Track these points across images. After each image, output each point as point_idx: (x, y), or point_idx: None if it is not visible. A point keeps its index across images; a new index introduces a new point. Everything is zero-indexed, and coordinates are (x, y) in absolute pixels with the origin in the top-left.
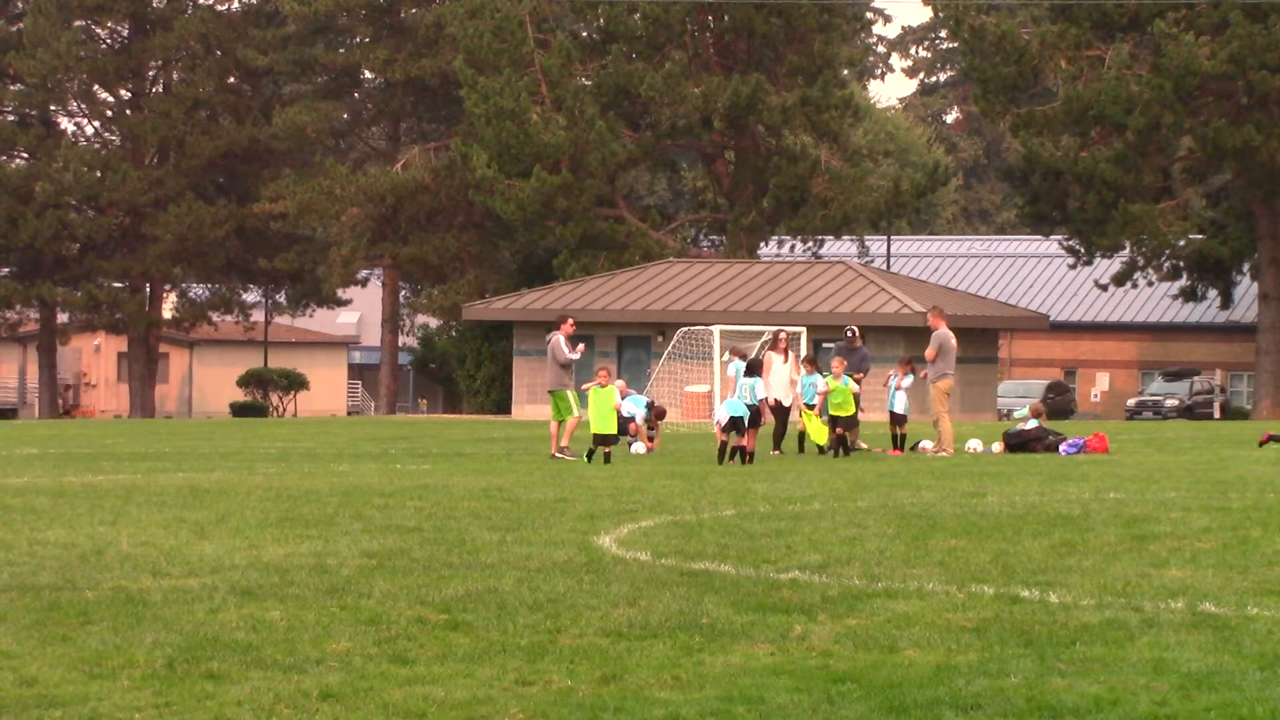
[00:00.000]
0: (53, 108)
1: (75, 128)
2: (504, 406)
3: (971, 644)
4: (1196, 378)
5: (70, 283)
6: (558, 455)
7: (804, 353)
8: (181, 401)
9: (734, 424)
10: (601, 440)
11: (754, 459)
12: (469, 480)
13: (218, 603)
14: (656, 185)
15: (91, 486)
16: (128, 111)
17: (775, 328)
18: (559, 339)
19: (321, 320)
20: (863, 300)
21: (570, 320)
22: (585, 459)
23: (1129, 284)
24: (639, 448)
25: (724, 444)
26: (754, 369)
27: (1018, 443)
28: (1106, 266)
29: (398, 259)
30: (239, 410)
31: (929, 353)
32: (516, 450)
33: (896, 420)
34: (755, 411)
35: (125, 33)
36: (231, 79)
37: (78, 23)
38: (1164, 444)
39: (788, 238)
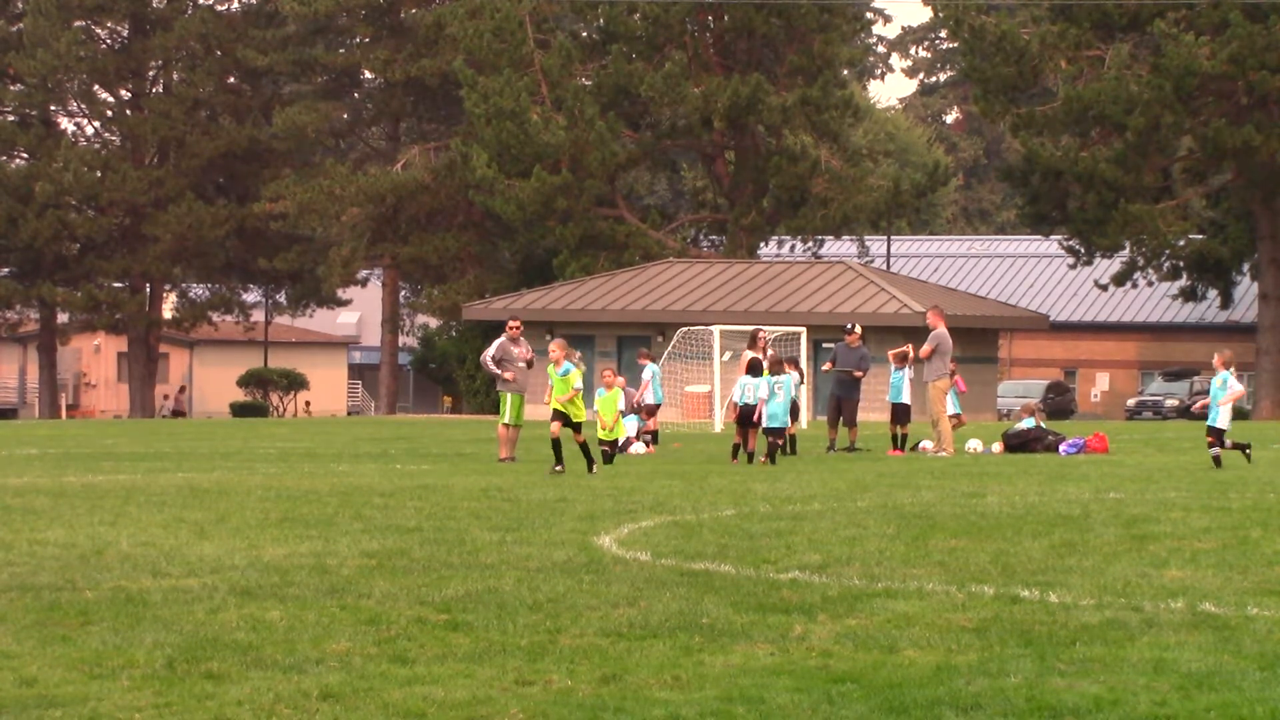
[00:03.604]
0: (53, 108)
1: (75, 128)
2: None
3: (971, 644)
4: (1196, 378)
5: (70, 283)
6: (504, 461)
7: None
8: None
9: (745, 421)
10: (605, 441)
11: (753, 458)
12: (469, 480)
13: (218, 603)
14: (656, 185)
15: (91, 486)
16: (128, 111)
17: (754, 327)
18: (495, 344)
19: (321, 320)
20: (863, 300)
21: (513, 323)
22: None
23: (1129, 284)
24: (638, 448)
25: (736, 445)
26: (754, 369)
27: (1018, 443)
28: (1106, 266)
29: (398, 259)
30: (239, 410)
31: (924, 350)
32: (516, 450)
33: (898, 419)
34: (753, 410)
35: (125, 33)
36: (231, 79)
37: (78, 23)
38: (1164, 444)
39: (788, 238)
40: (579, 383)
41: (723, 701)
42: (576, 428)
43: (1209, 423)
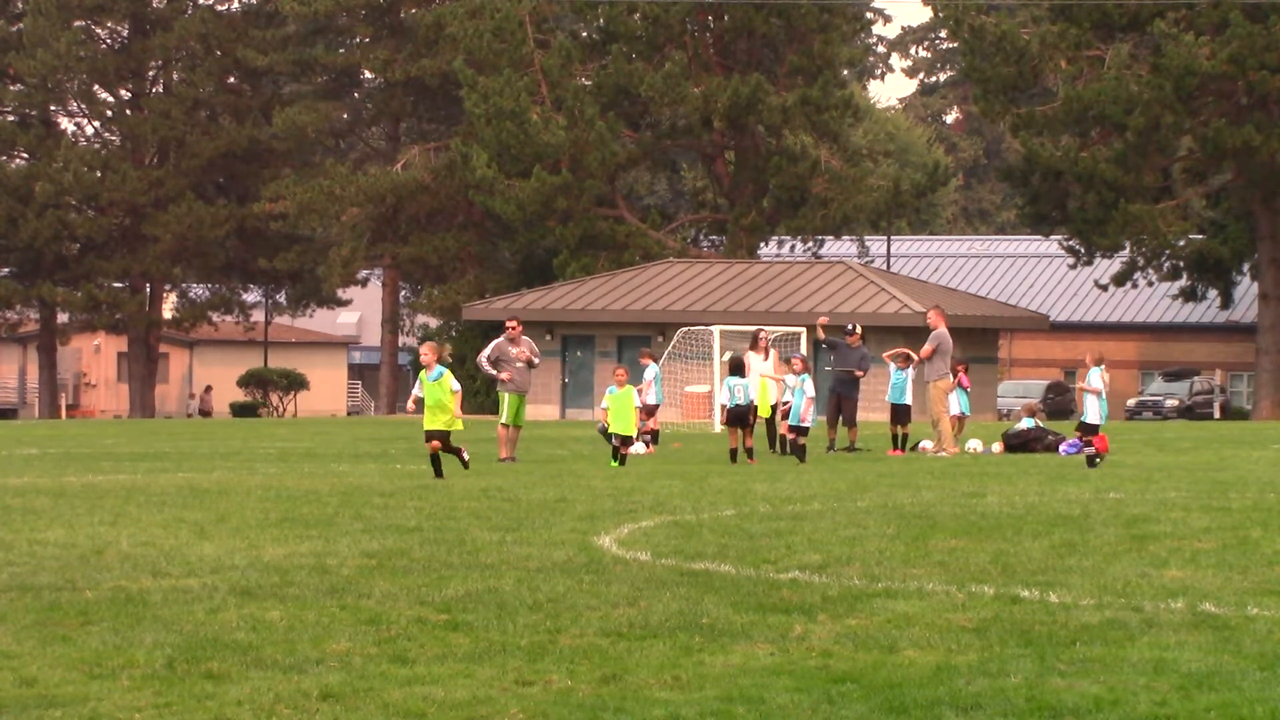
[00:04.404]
0: (53, 108)
1: (75, 128)
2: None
3: (971, 644)
4: (1196, 378)
5: (70, 283)
6: (504, 461)
7: (802, 352)
8: (181, 401)
9: (738, 422)
10: (620, 442)
11: (753, 454)
12: (469, 480)
13: (218, 603)
14: (656, 185)
15: (91, 486)
16: (128, 111)
17: (755, 327)
18: (491, 344)
19: (321, 320)
20: (863, 300)
21: (513, 323)
22: (614, 462)
23: (1129, 284)
24: (639, 448)
25: (734, 450)
26: (737, 368)
27: (1018, 443)
28: (1106, 266)
29: (398, 259)
30: (239, 410)
31: (925, 350)
32: (516, 450)
33: (899, 419)
34: (745, 411)
35: (125, 33)
36: (231, 79)
37: (78, 23)
38: (1164, 444)
39: (788, 238)
40: (456, 385)
41: (723, 701)
42: (447, 437)
43: (1086, 419)
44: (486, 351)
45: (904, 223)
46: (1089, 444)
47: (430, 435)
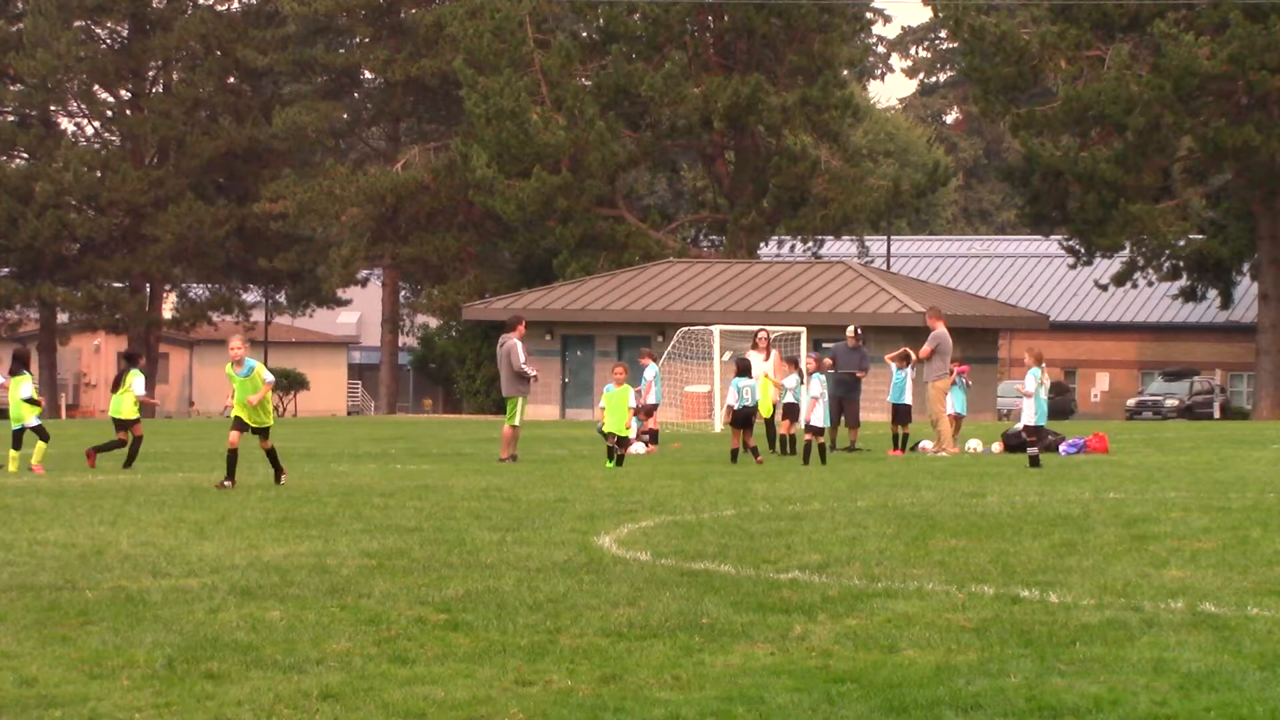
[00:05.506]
0: (53, 108)
1: (75, 128)
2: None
3: (971, 644)
4: (1196, 378)
5: (70, 283)
6: (504, 461)
7: (803, 353)
8: (181, 401)
9: (743, 423)
10: (617, 442)
11: (758, 453)
12: (469, 480)
13: (218, 603)
14: (656, 185)
15: (91, 486)
16: (128, 111)
17: (755, 327)
18: (514, 343)
19: (321, 320)
20: (863, 300)
21: (523, 322)
22: (610, 462)
23: (1129, 284)
24: (638, 448)
25: (735, 450)
26: (745, 369)
27: (1018, 443)
28: (1106, 266)
29: (398, 259)
30: None
31: (924, 351)
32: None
33: (900, 418)
34: (751, 412)
35: (125, 33)
36: (231, 79)
37: (78, 23)
38: (1164, 444)
39: (788, 238)
40: (269, 376)
41: (723, 701)
42: (264, 433)
43: (1024, 422)
44: (522, 356)
45: (904, 223)
46: (1033, 444)
47: (237, 423)
